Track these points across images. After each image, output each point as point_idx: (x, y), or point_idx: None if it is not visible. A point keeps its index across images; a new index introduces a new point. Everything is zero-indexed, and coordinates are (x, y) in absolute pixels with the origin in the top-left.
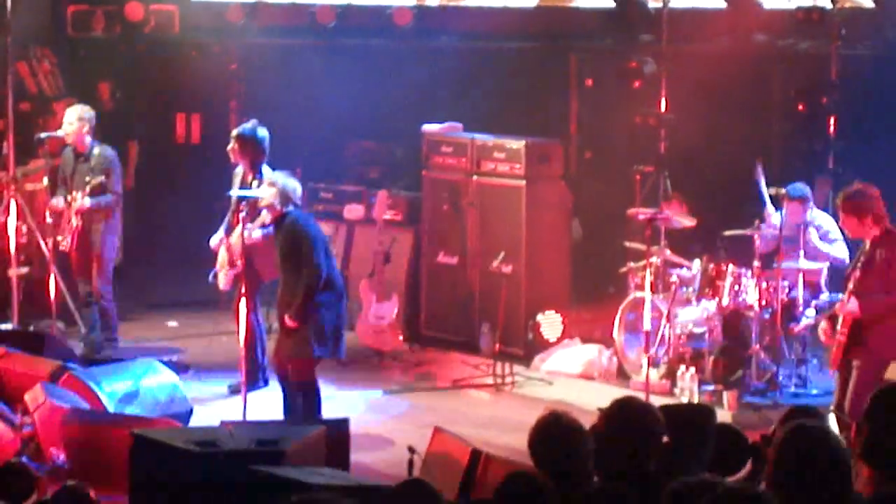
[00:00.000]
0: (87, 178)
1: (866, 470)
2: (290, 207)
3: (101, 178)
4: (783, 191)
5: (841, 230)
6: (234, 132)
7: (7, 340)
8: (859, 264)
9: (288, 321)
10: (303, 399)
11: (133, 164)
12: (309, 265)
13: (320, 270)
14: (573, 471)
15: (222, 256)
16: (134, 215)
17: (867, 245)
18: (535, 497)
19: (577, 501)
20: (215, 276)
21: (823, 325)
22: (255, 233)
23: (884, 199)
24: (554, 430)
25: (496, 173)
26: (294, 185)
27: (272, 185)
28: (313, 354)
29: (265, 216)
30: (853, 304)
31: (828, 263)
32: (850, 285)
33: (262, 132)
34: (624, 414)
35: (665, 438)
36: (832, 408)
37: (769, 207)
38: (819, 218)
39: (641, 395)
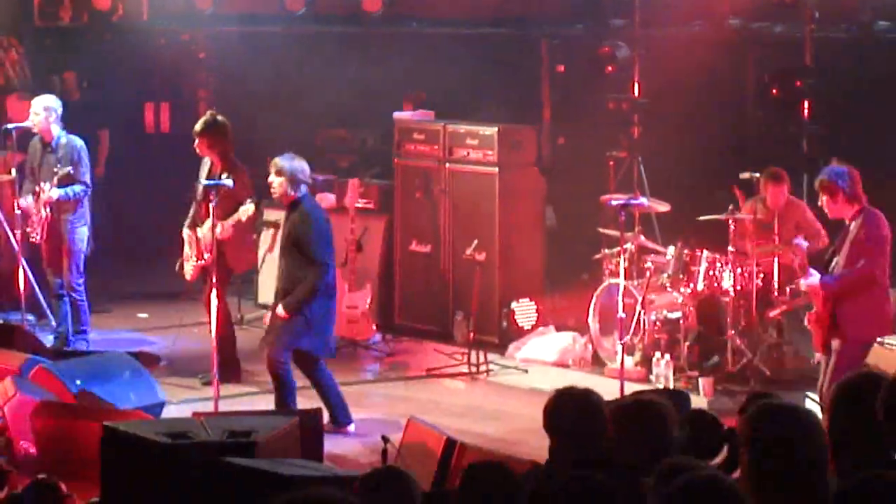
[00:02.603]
0: (55, 169)
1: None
2: (303, 189)
3: (69, 169)
4: (757, 174)
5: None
6: (197, 129)
7: None
8: (842, 246)
9: (280, 311)
10: (276, 390)
11: (105, 152)
12: (315, 264)
13: (327, 268)
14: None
15: (188, 248)
16: (103, 205)
17: (848, 226)
18: (500, 486)
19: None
20: (181, 266)
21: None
22: (227, 230)
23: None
24: (569, 396)
25: (469, 160)
26: (301, 166)
27: (280, 173)
28: (288, 345)
29: (241, 213)
30: (812, 279)
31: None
32: (832, 267)
33: (222, 120)
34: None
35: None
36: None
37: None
38: (795, 203)
39: (616, 383)
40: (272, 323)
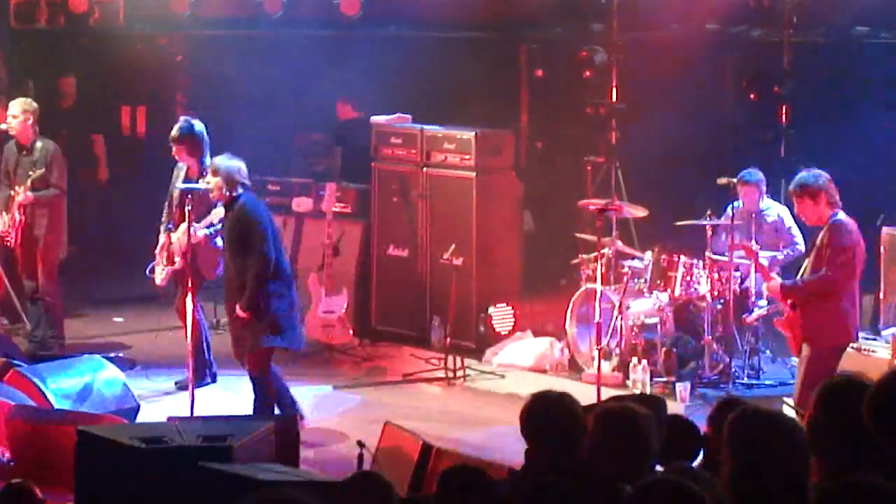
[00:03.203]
0: (30, 172)
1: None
2: (240, 190)
3: (42, 171)
4: (734, 179)
5: (796, 219)
6: (174, 135)
7: None
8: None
9: (238, 311)
10: (256, 392)
11: (103, 156)
12: (256, 253)
13: (269, 259)
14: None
15: (160, 252)
16: (78, 209)
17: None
18: (475, 490)
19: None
20: (152, 270)
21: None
22: (201, 231)
23: (837, 187)
24: (545, 399)
25: (446, 164)
26: (237, 165)
27: (215, 173)
28: (265, 345)
29: (213, 216)
30: (774, 283)
31: (783, 253)
32: (800, 273)
33: (199, 126)
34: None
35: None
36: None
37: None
38: (775, 208)
39: (593, 388)
40: (237, 329)
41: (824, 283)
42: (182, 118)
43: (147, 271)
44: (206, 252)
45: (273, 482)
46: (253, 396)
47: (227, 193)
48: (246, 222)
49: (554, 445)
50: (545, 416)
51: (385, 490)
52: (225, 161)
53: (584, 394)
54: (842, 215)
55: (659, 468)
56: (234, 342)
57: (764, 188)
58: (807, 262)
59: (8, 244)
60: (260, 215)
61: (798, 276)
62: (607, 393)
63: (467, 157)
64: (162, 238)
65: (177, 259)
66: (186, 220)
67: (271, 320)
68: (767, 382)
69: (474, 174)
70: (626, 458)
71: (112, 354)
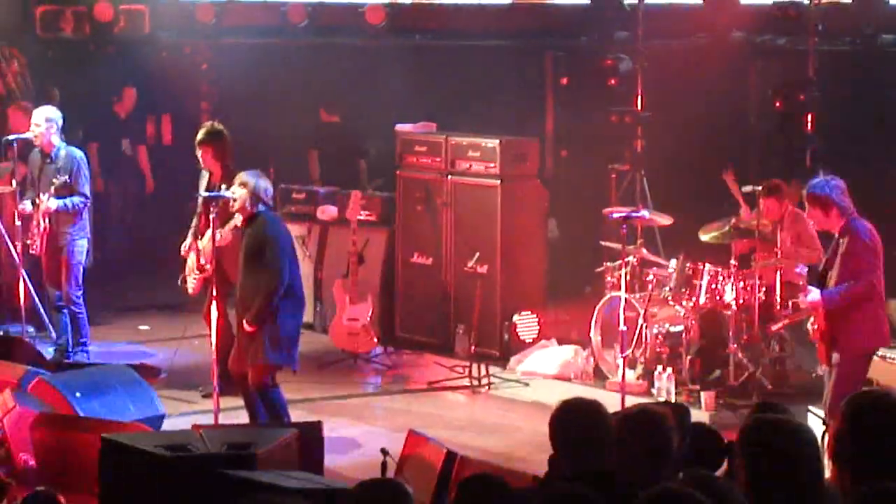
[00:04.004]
0: (54, 180)
1: (833, 469)
2: (262, 207)
3: (65, 179)
4: (759, 188)
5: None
6: (201, 137)
7: None
8: (834, 259)
9: (246, 325)
10: (263, 403)
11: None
12: (270, 269)
13: (282, 275)
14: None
15: (191, 260)
16: (103, 217)
17: (838, 239)
18: (494, 499)
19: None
20: (183, 280)
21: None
22: (227, 236)
23: (862, 195)
24: (574, 407)
25: (471, 172)
26: (265, 185)
27: (243, 186)
28: (268, 360)
29: (237, 219)
30: (813, 295)
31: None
32: (827, 282)
33: (224, 130)
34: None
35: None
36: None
37: (743, 209)
38: (801, 217)
39: (617, 396)
40: (243, 341)
41: (863, 290)
42: (209, 122)
43: (179, 282)
44: (233, 256)
45: (295, 489)
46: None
47: (250, 209)
48: (264, 238)
49: (582, 454)
50: (576, 423)
51: (405, 498)
52: (254, 177)
53: (609, 402)
54: (860, 220)
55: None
56: (236, 355)
57: (785, 198)
58: (831, 273)
59: (33, 252)
60: (278, 232)
61: (825, 285)
62: (632, 401)
63: (492, 164)
64: (183, 248)
65: (206, 266)
66: (211, 227)
67: (273, 336)
68: (791, 391)
69: (499, 182)
70: (648, 459)
71: (137, 363)
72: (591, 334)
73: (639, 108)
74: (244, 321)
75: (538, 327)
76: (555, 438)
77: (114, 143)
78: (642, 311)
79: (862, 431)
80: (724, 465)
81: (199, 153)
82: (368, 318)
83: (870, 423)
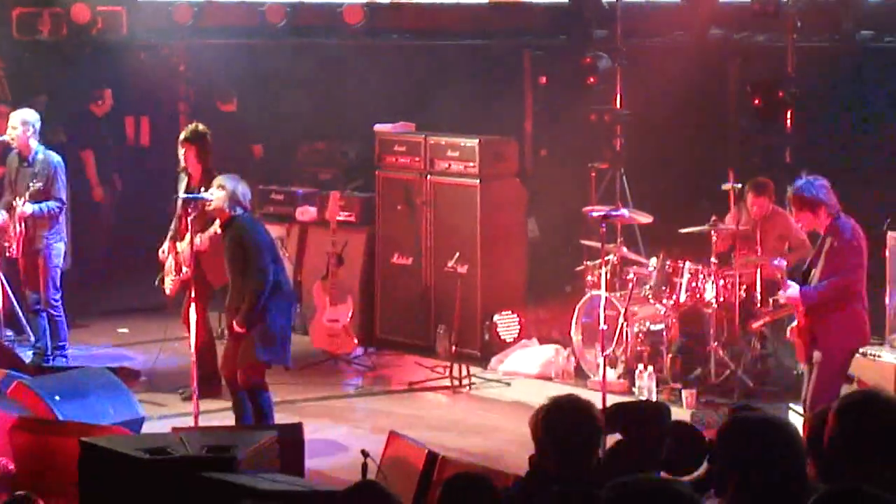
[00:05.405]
0: (30, 184)
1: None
2: (239, 210)
3: (40, 185)
4: (739, 186)
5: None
6: (185, 136)
7: None
8: (818, 257)
9: (236, 326)
10: (252, 405)
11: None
12: (255, 270)
13: (266, 275)
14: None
15: (169, 262)
16: (82, 219)
17: (824, 237)
18: (478, 498)
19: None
20: (161, 281)
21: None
22: (205, 242)
23: (843, 193)
24: (568, 405)
25: (450, 172)
26: (244, 189)
27: (221, 188)
28: (261, 359)
29: (216, 226)
30: (792, 291)
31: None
32: (809, 279)
33: (208, 133)
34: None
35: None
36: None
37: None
38: (782, 215)
39: (598, 395)
40: (233, 342)
41: (842, 286)
42: (193, 122)
43: (156, 283)
44: (212, 260)
45: (275, 492)
46: (252, 408)
47: (227, 211)
48: (244, 240)
49: (571, 454)
50: (566, 423)
51: (386, 499)
52: (233, 181)
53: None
54: (845, 218)
55: (664, 475)
56: (226, 358)
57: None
58: (815, 271)
59: (10, 255)
60: (257, 233)
61: (808, 282)
62: (613, 400)
63: (471, 164)
64: (163, 248)
65: (184, 268)
66: (189, 229)
67: (264, 335)
68: (773, 389)
69: (478, 181)
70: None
71: (116, 365)
72: (572, 333)
73: (618, 106)
74: (234, 322)
75: (519, 327)
76: (543, 438)
77: (92, 144)
78: (623, 310)
79: (853, 432)
80: (705, 464)
81: (181, 151)
82: (348, 319)
83: (862, 423)
